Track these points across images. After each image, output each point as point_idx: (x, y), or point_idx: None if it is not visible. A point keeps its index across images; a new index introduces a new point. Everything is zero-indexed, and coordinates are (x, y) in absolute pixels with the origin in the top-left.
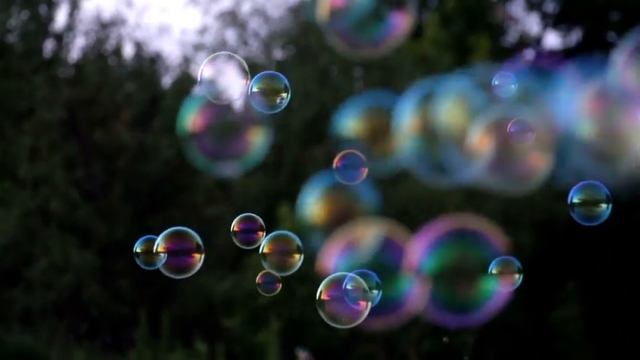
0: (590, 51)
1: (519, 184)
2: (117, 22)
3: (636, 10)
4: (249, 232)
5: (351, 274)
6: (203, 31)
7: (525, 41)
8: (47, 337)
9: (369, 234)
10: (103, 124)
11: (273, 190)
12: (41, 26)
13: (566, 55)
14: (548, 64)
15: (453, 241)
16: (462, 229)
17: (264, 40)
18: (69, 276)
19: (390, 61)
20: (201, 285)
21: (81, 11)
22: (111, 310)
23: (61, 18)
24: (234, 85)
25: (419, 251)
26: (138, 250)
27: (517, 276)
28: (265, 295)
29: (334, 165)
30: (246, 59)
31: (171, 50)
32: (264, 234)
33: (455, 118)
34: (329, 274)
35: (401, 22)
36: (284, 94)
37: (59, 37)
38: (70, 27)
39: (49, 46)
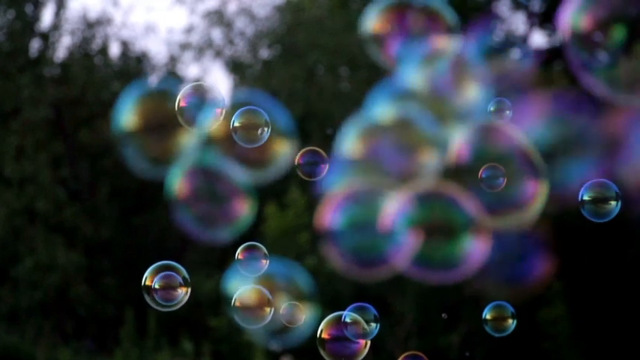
0: None
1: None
2: (103, 21)
3: None
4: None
5: (348, 311)
6: (189, 30)
7: (511, 40)
8: (33, 336)
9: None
10: (89, 123)
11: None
12: (27, 25)
13: (553, 54)
14: None
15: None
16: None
17: (250, 39)
18: (55, 275)
19: (377, 60)
20: None
21: (67, 10)
22: (97, 310)
23: (47, 17)
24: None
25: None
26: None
27: (511, 321)
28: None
29: (295, 162)
30: (233, 58)
31: (157, 50)
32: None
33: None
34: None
35: None
36: (265, 129)
37: (45, 37)
38: (56, 26)
39: (35, 45)
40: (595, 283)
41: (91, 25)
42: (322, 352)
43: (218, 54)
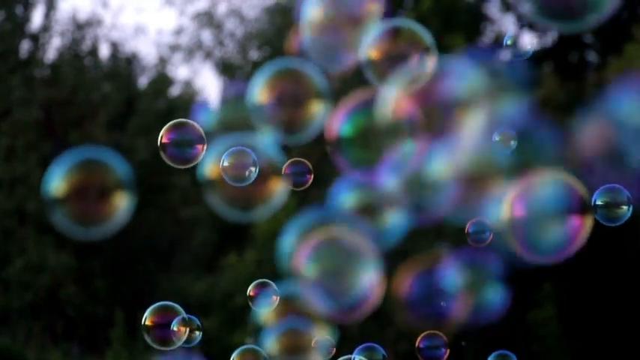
0: (566, 52)
1: None
2: (93, 22)
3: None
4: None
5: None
6: (179, 31)
7: (501, 42)
8: (24, 337)
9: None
10: (79, 124)
11: None
12: (17, 27)
13: (543, 55)
14: None
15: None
16: None
17: (240, 40)
18: (45, 276)
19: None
20: (178, 285)
21: (57, 12)
22: (87, 311)
23: (37, 18)
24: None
25: None
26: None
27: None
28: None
29: (282, 171)
30: (223, 59)
31: (147, 51)
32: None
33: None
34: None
35: None
36: (252, 169)
37: (35, 38)
38: (46, 27)
39: (25, 46)
40: (584, 285)
41: (81, 27)
42: None
43: (208, 55)
